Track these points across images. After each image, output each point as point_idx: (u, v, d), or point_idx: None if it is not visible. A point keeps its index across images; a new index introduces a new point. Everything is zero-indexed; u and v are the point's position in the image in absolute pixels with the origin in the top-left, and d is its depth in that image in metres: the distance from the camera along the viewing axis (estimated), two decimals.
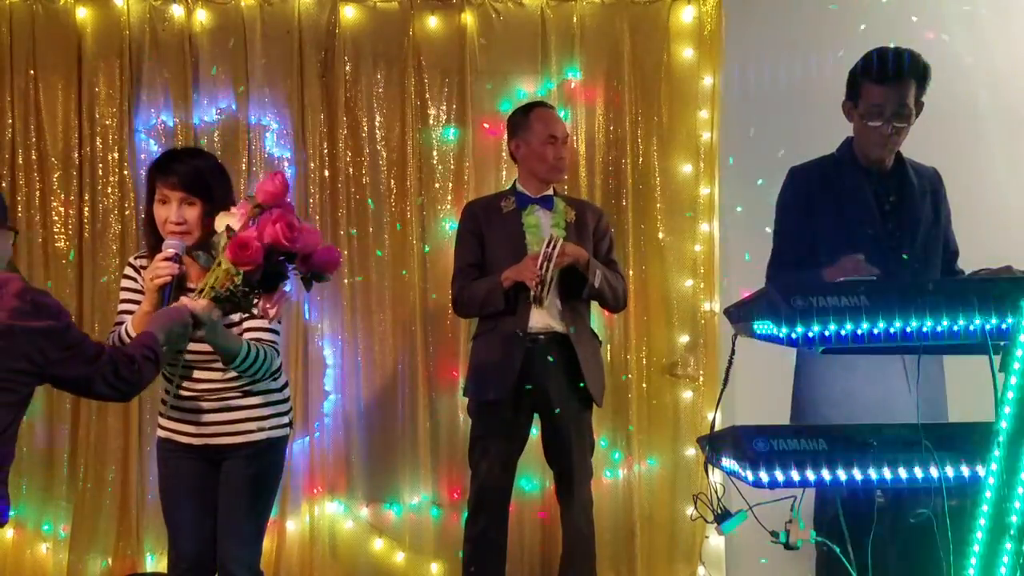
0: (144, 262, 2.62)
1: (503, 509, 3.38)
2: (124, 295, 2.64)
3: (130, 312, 2.55)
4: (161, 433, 2.70)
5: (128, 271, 2.67)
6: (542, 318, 3.28)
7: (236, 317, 2.50)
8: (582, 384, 3.29)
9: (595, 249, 3.38)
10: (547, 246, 3.11)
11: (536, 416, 3.40)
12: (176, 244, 2.44)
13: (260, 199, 2.27)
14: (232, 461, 2.62)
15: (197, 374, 2.60)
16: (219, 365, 2.54)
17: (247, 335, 2.55)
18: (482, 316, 3.40)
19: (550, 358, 3.27)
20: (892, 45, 2.85)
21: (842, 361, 2.71)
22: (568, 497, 3.34)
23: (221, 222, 2.30)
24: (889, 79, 2.76)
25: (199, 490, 2.64)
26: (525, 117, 3.43)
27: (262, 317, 2.40)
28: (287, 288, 2.39)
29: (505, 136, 3.57)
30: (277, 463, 2.74)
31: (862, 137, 2.87)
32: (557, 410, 3.29)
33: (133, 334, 2.41)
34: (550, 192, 3.43)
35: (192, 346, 2.49)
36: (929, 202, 2.92)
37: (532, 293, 3.13)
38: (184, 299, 2.33)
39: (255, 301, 2.31)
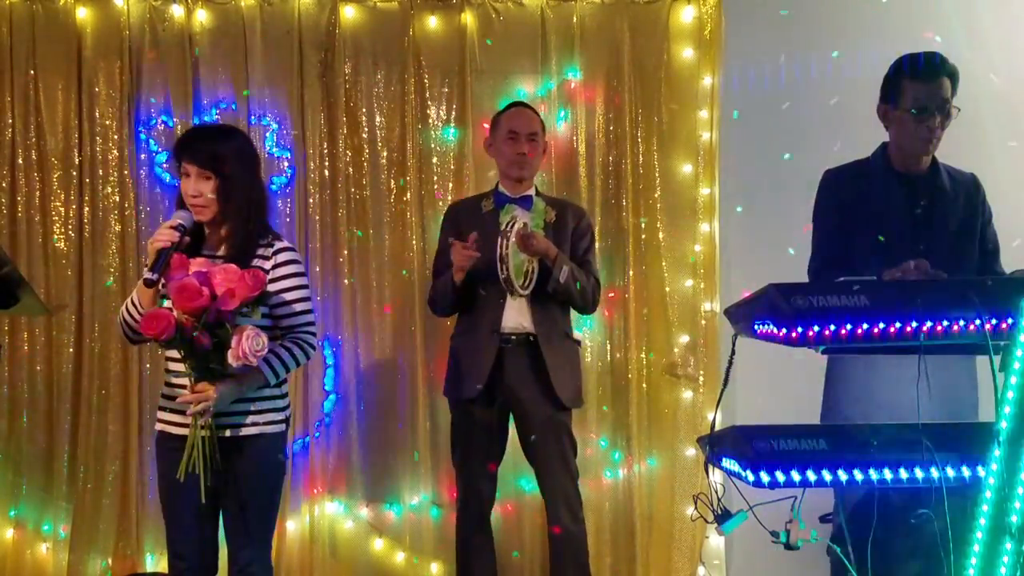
0: None
1: (485, 509, 3.39)
2: None
3: None
4: (159, 426, 2.70)
5: None
6: (514, 318, 3.30)
7: (259, 317, 2.59)
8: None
9: (572, 248, 3.39)
10: (506, 225, 3.16)
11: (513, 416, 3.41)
12: (185, 216, 2.60)
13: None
14: (233, 458, 2.60)
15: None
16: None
17: (287, 331, 2.68)
18: (459, 313, 3.43)
19: (520, 359, 3.28)
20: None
21: (865, 360, 2.73)
22: (548, 496, 3.36)
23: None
24: (931, 76, 2.81)
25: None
26: (497, 118, 3.50)
27: (245, 362, 2.48)
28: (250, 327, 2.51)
29: None
30: (278, 458, 2.74)
31: (906, 137, 2.87)
32: (528, 412, 3.31)
33: (138, 301, 2.61)
34: (530, 192, 3.44)
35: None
36: (962, 206, 2.94)
37: (500, 277, 3.14)
38: (185, 399, 2.52)
39: (226, 358, 2.46)
